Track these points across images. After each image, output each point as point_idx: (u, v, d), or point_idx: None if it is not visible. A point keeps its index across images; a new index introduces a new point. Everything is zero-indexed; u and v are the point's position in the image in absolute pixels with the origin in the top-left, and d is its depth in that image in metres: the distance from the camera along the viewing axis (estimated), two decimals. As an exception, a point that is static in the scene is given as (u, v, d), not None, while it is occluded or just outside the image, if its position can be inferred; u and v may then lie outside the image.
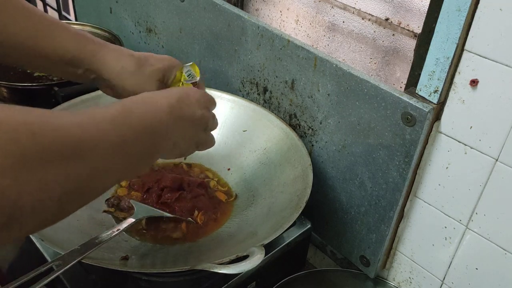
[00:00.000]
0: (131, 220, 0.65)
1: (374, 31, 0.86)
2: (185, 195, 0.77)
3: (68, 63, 0.58)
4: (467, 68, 0.59)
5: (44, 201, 0.33)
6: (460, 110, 0.62)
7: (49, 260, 0.57)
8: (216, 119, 0.62)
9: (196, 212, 0.75)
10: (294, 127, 0.83)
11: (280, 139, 0.82)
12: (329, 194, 0.81)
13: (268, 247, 0.66)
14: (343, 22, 0.91)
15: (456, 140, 0.63)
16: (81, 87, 0.92)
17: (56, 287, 0.67)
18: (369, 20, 0.86)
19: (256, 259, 0.54)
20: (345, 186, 0.78)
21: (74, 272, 0.67)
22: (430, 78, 0.62)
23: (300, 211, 0.66)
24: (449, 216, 0.68)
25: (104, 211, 0.75)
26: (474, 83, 0.59)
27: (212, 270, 0.54)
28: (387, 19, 0.84)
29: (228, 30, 0.87)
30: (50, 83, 0.96)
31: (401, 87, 0.85)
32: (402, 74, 0.85)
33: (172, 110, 0.50)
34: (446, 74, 0.60)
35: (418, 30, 0.79)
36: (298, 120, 0.82)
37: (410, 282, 0.79)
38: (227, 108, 0.88)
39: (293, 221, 0.65)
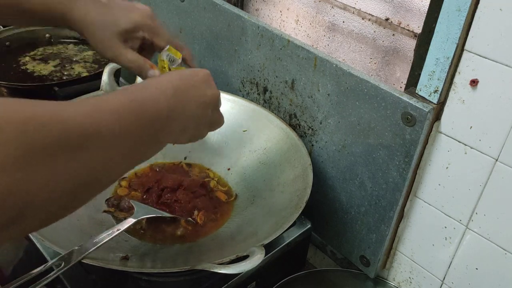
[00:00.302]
0: (131, 220, 0.65)
1: (374, 31, 0.86)
2: (185, 195, 0.77)
3: (43, 18, 0.60)
4: (467, 68, 0.59)
5: (56, 193, 0.33)
6: (460, 110, 0.62)
7: (49, 260, 0.57)
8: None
9: (196, 212, 0.75)
10: (294, 127, 0.83)
11: (280, 139, 0.82)
12: (329, 194, 0.81)
13: (268, 247, 0.66)
14: (343, 22, 0.91)
15: (456, 140, 0.63)
16: (81, 87, 0.92)
17: (56, 287, 0.67)
18: (369, 20, 0.86)
19: (256, 259, 0.54)
20: (345, 186, 0.78)
21: (74, 272, 0.67)
22: (430, 78, 0.62)
23: (300, 211, 0.66)
24: (449, 216, 0.68)
25: (104, 211, 0.75)
26: (474, 83, 0.59)
27: (212, 270, 0.54)
28: (387, 19, 0.84)
29: (228, 30, 0.87)
30: (50, 83, 0.96)
31: (401, 87, 0.85)
32: (402, 74, 0.85)
33: (177, 93, 0.49)
34: (446, 74, 0.60)
35: (418, 30, 0.79)
36: (298, 120, 0.82)
37: (410, 282, 0.79)
38: (227, 108, 0.88)
39: (293, 221, 0.65)
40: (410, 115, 0.63)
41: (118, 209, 0.75)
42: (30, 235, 0.61)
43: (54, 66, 1.08)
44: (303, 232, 0.79)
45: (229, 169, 0.85)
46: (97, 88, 0.87)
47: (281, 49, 0.78)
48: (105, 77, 0.86)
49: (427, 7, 0.66)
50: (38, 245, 0.71)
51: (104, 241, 0.59)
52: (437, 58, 0.60)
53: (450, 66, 0.60)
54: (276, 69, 0.81)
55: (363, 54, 0.90)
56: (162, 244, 0.71)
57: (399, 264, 0.79)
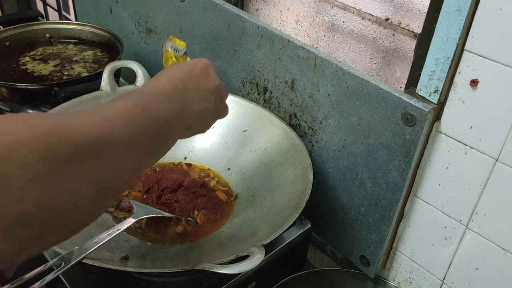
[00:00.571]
0: (131, 220, 0.65)
1: (374, 31, 0.86)
2: (185, 196, 0.77)
3: None
4: (467, 68, 0.59)
5: (76, 203, 0.34)
6: (460, 110, 0.62)
7: (49, 260, 0.57)
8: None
9: (196, 212, 0.75)
10: (294, 127, 0.83)
11: (280, 139, 0.82)
12: (329, 194, 0.81)
13: (268, 247, 0.66)
14: (343, 22, 0.91)
15: (456, 140, 0.63)
16: (81, 87, 0.92)
17: (56, 287, 0.67)
18: (369, 20, 0.86)
19: (256, 259, 0.54)
20: (345, 186, 0.78)
21: (74, 272, 0.67)
22: (430, 78, 0.62)
23: (300, 211, 0.66)
24: (449, 216, 0.68)
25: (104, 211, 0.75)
26: (474, 83, 0.59)
27: (212, 270, 0.54)
28: (387, 19, 0.84)
29: (228, 30, 0.87)
30: (50, 83, 0.96)
31: (401, 87, 0.85)
32: (402, 74, 0.85)
33: (178, 92, 0.49)
34: (446, 74, 0.60)
35: (418, 30, 0.79)
36: (298, 120, 0.82)
37: (410, 282, 0.79)
38: (227, 108, 0.88)
39: (293, 221, 0.65)
40: (410, 115, 0.63)
41: (118, 209, 0.75)
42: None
43: (54, 66, 1.08)
44: (303, 232, 0.78)
45: (229, 169, 0.85)
46: (97, 88, 0.87)
47: (281, 49, 0.78)
48: (105, 77, 0.86)
49: (427, 7, 0.66)
50: (38, 245, 0.71)
51: (104, 241, 0.59)
52: (437, 58, 0.60)
53: (450, 66, 0.60)
54: (276, 69, 0.81)
55: (363, 54, 0.90)
56: (162, 244, 0.71)
57: (399, 264, 0.79)
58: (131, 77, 0.92)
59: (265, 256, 0.56)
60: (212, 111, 0.55)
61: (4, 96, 0.95)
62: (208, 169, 0.86)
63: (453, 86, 0.61)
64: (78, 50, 1.16)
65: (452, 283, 0.72)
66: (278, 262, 0.76)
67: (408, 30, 0.81)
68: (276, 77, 0.82)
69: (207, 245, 0.71)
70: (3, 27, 1.15)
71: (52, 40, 1.18)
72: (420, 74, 0.63)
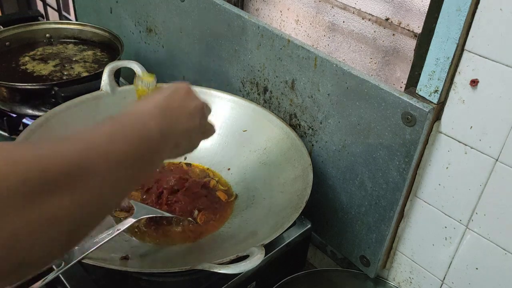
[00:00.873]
0: (131, 220, 0.65)
1: (374, 31, 0.86)
2: (186, 196, 0.77)
3: None
4: (467, 68, 0.59)
5: (53, 236, 0.33)
6: (460, 110, 0.62)
7: (49, 260, 0.57)
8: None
9: (196, 212, 0.75)
10: (294, 127, 0.83)
11: (280, 139, 0.82)
12: (329, 194, 0.81)
13: (268, 247, 0.66)
14: (343, 22, 0.91)
15: (456, 140, 0.63)
16: (81, 87, 0.92)
17: (56, 287, 0.67)
18: (369, 20, 0.86)
19: (256, 259, 0.54)
20: (345, 186, 0.78)
21: (74, 272, 0.67)
22: (430, 78, 0.62)
23: (300, 211, 0.66)
24: (449, 216, 0.68)
25: (104, 211, 0.75)
26: (474, 83, 0.59)
27: (212, 270, 0.54)
28: (387, 19, 0.84)
29: (228, 30, 0.87)
30: (50, 83, 0.96)
31: (401, 87, 0.85)
32: (402, 74, 0.85)
33: (164, 113, 0.49)
34: (446, 74, 0.60)
35: (418, 30, 0.79)
36: (298, 120, 0.82)
37: (410, 282, 0.79)
38: (227, 108, 0.88)
39: (293, 221, 0.65)
40: (410, 115, 0.63)
41: (118, 209, 0.75)
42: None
43: (54, 66, 1.08)
44: (303, 232, 0.78)
45: (229, 169, 0.85)
46: (97, 88, 0.87)
47: (281, 49, 0.78)
48: (105, 77, 0.86)
49: (427, 7, 0.66)
50: (38, 245, 0.71)
51: (104, 241, 0.59)
52: (437, 58, 0.60)
53: (450, 66, 0.60)
54: (276, 69, 0.81)
55: (363, 54, 0.90)
56: (162, 244, 0.71)
57: (399, 264, 0.79)
58: (131, 77, 0.92)
59: (265, 256, 0.56)
60: (198, 130, 0.56)
61: (4, 96, 0.95)
62: (208, 169, 0.86)
63: (453, 86, 0.61)
64: (78, 50, 1.16)
65: (452, 283, 0.72)
66: (278, 262, 0.76)
67: (408, 30, 0.81)
68: (276, 77, 0.82)
69: (207, 245, 0.71)
70: (3, 27, 1.15)
71: (52, 40, 1.18)
72: (420, 74, 0.63)
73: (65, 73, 1.05)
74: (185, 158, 0.87)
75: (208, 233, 0.73)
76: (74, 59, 1.11)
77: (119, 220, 0.73)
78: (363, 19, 0.87)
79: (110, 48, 1.15)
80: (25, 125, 0.98)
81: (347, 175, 0.77)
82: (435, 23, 0.59)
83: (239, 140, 0.86)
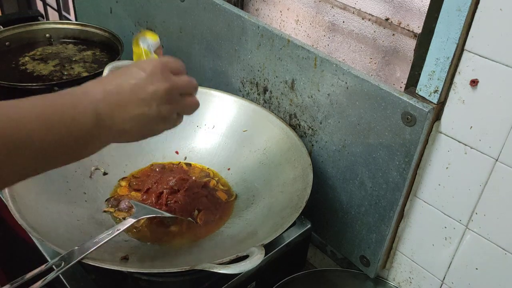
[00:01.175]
0: (131, 220, 0.65)
1: (374, 31, 0.86)
2: (186, 196, 0.77)
3: None
4: (467, 68, 0.59)
5: None
6: (460, 110, 0.62)
7: (49, 260, 0.57)
8: (189, 81, 0.56)
9: (196, 212, 0.75)
10: (294, 127, 0.83)
11: (280, 139, 0.82)
12: (329, 194, 0.81)
13: (268, 247, 0.66)
14: (343, 22, 0.91)
15: (456, 140, 0.63)
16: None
17: (56, 287, 0.67)
18: (369, 20, 0.86)
19: (256, 259, 0.54)
20: (345, 186, 0.78)
21: (74, 272, 0.67)
22: (430, 78, 0.62)
23: (300, 211, 0.66)
24: (449, 216, 0.68)
25: (104, 211, 0.75)
26: (474, 83, 0.59)
27: (212, 270, 0.54)
28: (387, 19, 0.84)
29: (228, 30, 0.87)
30: (50, 83, 0.96)
31: (401, 87, 0.85)
32: (402, 74, 0.85)
33: (108, 97, 0.48)
34: (446, 74, 0.60)
35: (418, 30, 0.79)
36: (298, 120, 0.82)
37: (410, 282, 0.79)
38: (227, 108, 0.88)
39: (293, 221, 0.65)
40: (410, 115, 0.63)
41: (118, 209, 0.75)
42: (30, 235, 0.61)
43: (54, 66, 1.08)
44: (303, 232, 0.78)
45: (229, 169, 0.85)
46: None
47: (281, 49, 0.78)
48: (105, 77, 0.86)
49: (427, 7, 0.66)
50: (38, 245, 0.71)
51: (104, 241, 0.59)
52: (437, 58, 0.60)
53: (450, 66, 0.60)
54: (276, 69, 0.81)
55: (363, 54, 0.90)
56: (162, 244, 0.71)
57: (399, 264, 0.79)
58: (131, 77, 0.92)
59: (265, 256, 0.56)
60: (154, 117, 0.51)
61: (4, 96, 0.95)
62: (208, 168, 0.86)
63: (453, 86, 0.61)
64: (77, 50, 1.16)
65: (452, 283, 0.72)
66: (278, 262, 0.76)
67: (408, 30, 0.81)
68: (276, 77, 0.82)
69: (207, 245, 0.71)
70: (3, 27, 1.15)
71: (52, 40, 1.18)
72: (420, 74, 0.63)
73: (65, 73, 1.06)
74: (185, 158, 0.87)
75: (208, 233, 0.73)
76: (74, 59, 1.11)
77: (119, 220, 0.73)
78: (363, 19, 0.87)
79: (110, 48, 1.15)
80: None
81: (347, 175, 0.77)
82: (435, 23, 0.59)
83: (239, 140, 0.86)
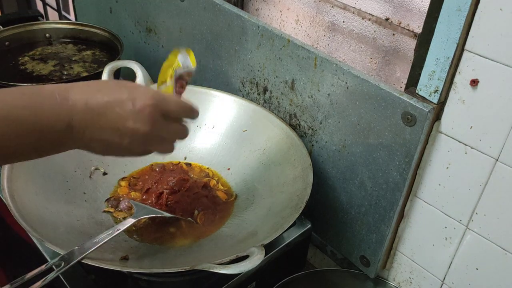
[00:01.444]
0: (131, 220, 0.65)
1: (374, 31, 0.86)
2: (186, 197, 0.77)
3: None
4: (467, 68, 0.59)
5: None
6: (460, 110, 0.61)
7: (49, 260, 0.57)
8: (177, 131, 0.55)
9: (196, 212, 0.75)
10: (294, 127, 0.83)
11: (280, 139, 0.82)
12: (329, 194, 0.81)
13: (268, 247, 0.66)
14: (343, 22, 0.91)
15: (456, 140, 0.63)
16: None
17: (56, 287, 0.67)
18: (369, 20, 0.85)
19: (256, 259, 0.54)
20: (345, 186, 0.78)
21: (74, 272, 0.67)
22: (430, 78, 0.62)
23: (300, 211, 0.66)
24: (449, 216, 0.68)
25: (104, 211, 0.75)
26: (474, 83, 0.59)
27: (212, 270, 0.54)
28: (387, 19, 0.84)
29: (228, 30, 0.87)
30: (49, 83, 0.96)
31: (401, 87, 0.85)
32: (402, 74, 0.85)
33: (87, 113, 0.47)
34: (446, 74, 0.60)
35: (418, 30, 0.79)
36: (298, 120, 0.82)
37: (410, 282, 0.79)
38: (227, 108, 0.88)
39: (293, 221, 0.65)
40: (410, 115, 0.63)
41: (118, 209, 0.75)
42: (30, 235, 0.61)
43: (54, 66, 1.08)
44: (303, 232, 0.78)
45: (229, 169, 0.85)
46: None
47: (281, 49, 0.78)
48: (105, 76, 0.86)
49: (427, 7, 0.66)
50: (38, 245, 0.71)
51: (104, 241, 0.59)
52: (437, 58, 0.60)
53: (450, 66, 0.60)
54: (276, 69, 0.81)
55: (363, 54, 0.90)
56: (162, 244, 0.71)
57: (399, 264, 0.79)
58: (130, 77, 0.92)
59: (265, 256, 0.56)
60: (122, 149, 0.51)
61: (3, 96, 0.95)
62: (208, 168, 0.86)
63: (453, 86, 0.61)
64: (77, 50, 1.16)
65: (452, 283, 0.72)
66: (278, 262, 0.76)
67: (408, 30, 0.81)
68: (276, 77, 0.82)
69: (207, 245, 0.71)
70: (3, 27, 1.15)
71: (51, 40, 1.18)
72: (420, 74, 0.63)
73: (65, 73, 1.05)
74: (185, 158, 0.87)
75: (208, 233, 0.73)
76: (73, 59, 1.11)
77: (118, 220, 0.73)
78: (363, 19, 0.87)
79: (110, 48, 1.15)
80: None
81: (347, 175, 0.77)
82: (435, 23, 0.59)
83: (239, 140, 0.86)
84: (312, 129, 0.80)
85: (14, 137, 0.44)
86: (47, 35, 1.18)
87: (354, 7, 0.86)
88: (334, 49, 0.95)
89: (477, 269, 0.68)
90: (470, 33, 0.57)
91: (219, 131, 0.88)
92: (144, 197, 0.77)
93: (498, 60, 0.56)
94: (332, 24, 0.93)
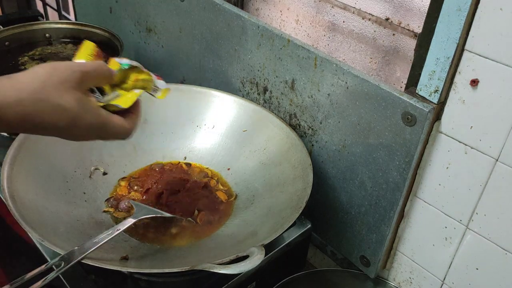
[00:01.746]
0: (131, 220, 0.65)
1: (374, 31, 0.86)
2: (186, 197, 0.76)
3: None
4: (467, 68, 0.59)
5: None
6: (460, 110, 0.61)
7: (49, 260, 0.57)
8: (126, 125, 0.54)
9: (196, 212, 0.75)
10: (294, 127, 0.83)
11: (280, 139, 0.82)
12: (329, 194, 0.81)
13: (268, 247, 0.66)
14: (343, 21, 0.91)
15: (456, 140, 0.63)
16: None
17: (56, 287, 0.67)
18: (369, 19, 0.85)
19: (256, 259, 0.54)
20: (345, 186, 0.78)
21: (74, 272, 0.67)
22: (430, 78, 0.62)
23: (300, 211, 0.66)
24: (449, 216, 0.68)
25: (104, 211, 0.75)
26: (474, 83, 0.59)
27: (212, 270, 0.54)
28: (387, 19, 0.84)
29: (228, 30, 0.87)
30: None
31: (401, 87, 0.85)
32: (402, 74, 0.85)
33: (26, 109, 0.46)
34: (446, 74, 0.60)
35: (418, 30, 0.79)
36: (298, 120, 0.82)
37: (411, 282, 0.79)
38: (227, 108, 0.88)
39: (293, 221, 0.65)
40: (410, 115, 0.63)
41: (118, 210, 0.75)
42: (30, 235, 0.61)
43: (54, 66, 1.07)
44: (303, 232, 0.78)
45: (229, 169, 0.85)
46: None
47: (281, 48, 0.78)
48: (105, 77, 0.86)
49: (427, 7, 0.66)
50: (38, 245, 0.71)
51: (104, 241, 0.59)
52: (437, 58, 0.60)
53: (451, 66, 0.60)
54: (276, 69, 0.81)
55: (363, 54, 0.90)
56: (162, 244, 0.71)
57: (399, 264, 0.79)
58: (131, 77, 0.92)
59: (265, 256, 0.56)
60: (84, 136, 0.52)
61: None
62: (208, 168, 0.86)
63: (453, 86, 0.61)
64: (77, 50, 1.15)
65: (453, 283, 0.72)
66: (278, 262, 0.76)
67: (408, 29, 0.81)
68: (276, 77, 0.82)
69: (207, 245, 0.71)
70: (3, 27, 1.15)
71: (51, 40, 1.18)
72: (420, 74, 0.63)
73: (65, 73, 1.05)
74: (185, 158, 0.87)
75: (208, 233, 0.73)
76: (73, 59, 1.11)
77: (118, 220, 0.73)
78: (363, 19, 0.87)
79: (110, 48, 1.14)
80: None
81: (347, 175, 0.77)
82: (435, 23, 0.59)
83: (239, 140, 0.86)
84: (312, 129, 0.80)
85: None
86: (47, 35, 1.18)
87: (354, 7, 0.86)
88: (334, 49, 0.95)
89: (477, 269, 0.68)
90: (470, 33, 0.57)
91: (219, 131, 0.88)
92: (144, 197, 0.77)
93: (498, 60, 0.56)
94: (332, 24, 0.93)
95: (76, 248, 0.57)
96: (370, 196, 0.74)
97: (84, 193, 0.76)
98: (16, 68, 1.06)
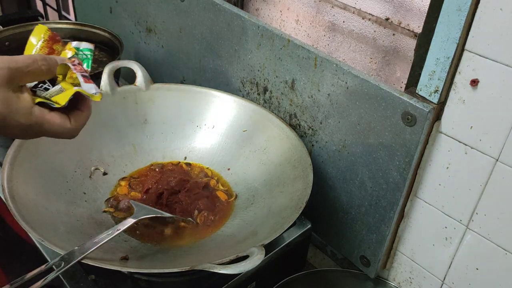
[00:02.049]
0: (131, 220, 0.65)
1: (374, 31, 0.86)
2: (187, 197, 0.76)
3: None
4: (467, 68, 0.59)
5: None
6: (461, 110, 0.61)
7: (49, 260, 0.57)
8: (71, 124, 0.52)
9: (196, 212, 0.75)
10: (294, 127, 0.83)
11: (280, 139, 0.82)
12: (329, 194, 0.81)
13: (268, 247, 0.66)
14: (343, 22, 0.91)
15: (457, 140, 0.63)
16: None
17: (56, 287, 0.67)
18: (369, 20, 0.85)
19: (256, 259, 0.54)
20: (345, 186, 0.78)
21: (74, 272, 0.67)
22: (431, 78, 0.62)
23: (300, 211, 0.66)
24: (449, 216, 0.68)
25: (104, 211, 0.75)
26: (474, 83, 0.59)
27: (212, 270, 0.54)
28: (387, 19, 0.84)
29: (228, 30, 0.87)
30: (50, 83, 0.96)
31: (401, 87, 0.85)
32: (402, 74, 0.85)
33: None
34: (446, 74, 0.60)
35: (418, 30, 0.79)
36: (298, 120, 0.82)
37: (411, 282, 0.79)
38: (227, 108, 0.88)
39: (293, 221, 0.65)
40: (410, 115, 0.63)
41: (118, 210, 0.75)
42: (30, 235, 0.61)
43: (54, 66, 1.07)
44: (303, 232, 0.78)
45: (229, 169, 0.85)
46: (97, 88, 0.87)
47: (281, 49, 0.78)
48: (104, 77, 0.86)
49: (427, 7, 0.66)
50: (38, 245, 0.71)
51: (104, 241, 0.59)
52: (437, 58, 0.60)
53: (451, 66, 0.60)
54: (276, 69, 0.81)
55: (363, 54, 0.90)
56: (162, 244, 0.71)
57: (399, 264, 0.79)
58: (130, 77, 0.92)
59: (265, 256, 0.56)
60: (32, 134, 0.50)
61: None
62: (208, 168, 0.86)
63: (453, 86, 0.61)
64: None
65: (453, 283, 0.72)
66: (278, 262, 0.76)
67: (408, 30, 0.81)
68: (276, 77, 0.82)
69: (207, 245, 0.71)
70: (3, 27, 1.15)
71: (51, 40, 1.18)
72: (420, 74, 0.63)
73: (65, 73, 1.05)
74: (185, 158, 0.87)
75: (208, 233, 0.73)
76: (73, 59, 1.11)
77: (118, 220, 0.73)
78: (363, 19, 0.87)
79: (110, 48, 1.15)
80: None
81: (347, 175, 0.77)
82: (435, 23, 0.59)
83: (239, 140, 0.86)
84: (312, 129, 0.80)
85: None
86: (47, 35, 1.18)
87: (354, 7, 0.86)
88: (334, 49, 0.95)
89: (477, 269, 0.68)
90: (470, 33, 0.57)
91: (219, 131, 0.88)
92: (144, 197, 0.77)
93: (498, 60, 0.56)
94: (332, 24, 0.93)
95: (76, 248, 0.57)
96: (370, 196, 0.74)
97: (84, 193, 0.76)
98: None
